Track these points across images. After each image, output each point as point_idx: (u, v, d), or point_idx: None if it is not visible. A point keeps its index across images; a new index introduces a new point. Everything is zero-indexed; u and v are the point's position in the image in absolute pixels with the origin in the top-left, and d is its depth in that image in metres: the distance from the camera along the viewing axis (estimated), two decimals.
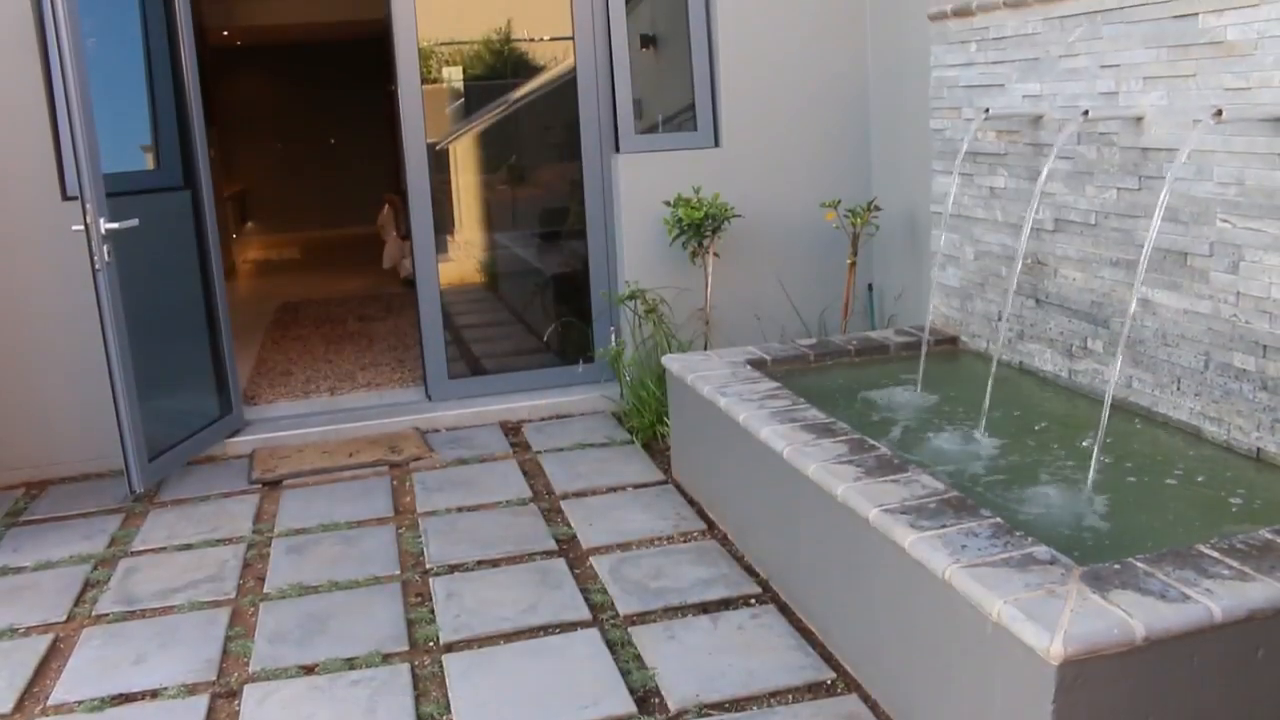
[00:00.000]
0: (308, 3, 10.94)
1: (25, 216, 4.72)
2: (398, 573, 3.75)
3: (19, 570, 3.95)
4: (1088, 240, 3.65)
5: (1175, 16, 3.16)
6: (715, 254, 5.21)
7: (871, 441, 3.24)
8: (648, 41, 5.60)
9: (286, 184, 13.96)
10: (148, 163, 4.90)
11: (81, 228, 4.20)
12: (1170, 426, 3.36)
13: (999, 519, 2.61)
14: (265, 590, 3.67)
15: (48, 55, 4.63)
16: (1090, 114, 3.46)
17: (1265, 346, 2.97)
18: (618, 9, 5.31)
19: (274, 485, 4.66)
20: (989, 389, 3.59)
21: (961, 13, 4.16)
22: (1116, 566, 2.30)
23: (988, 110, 4.02)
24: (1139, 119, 3.34)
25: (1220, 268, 3.09)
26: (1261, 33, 2.87)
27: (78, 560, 3.99)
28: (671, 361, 4.35)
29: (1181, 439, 3.28)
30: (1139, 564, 2.31)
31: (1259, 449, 3.04)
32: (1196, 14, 3.08)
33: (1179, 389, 3.32)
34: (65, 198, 4.71)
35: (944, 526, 2.58)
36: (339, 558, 3.88)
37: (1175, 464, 3.14)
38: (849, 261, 5.20)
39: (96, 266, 4.18)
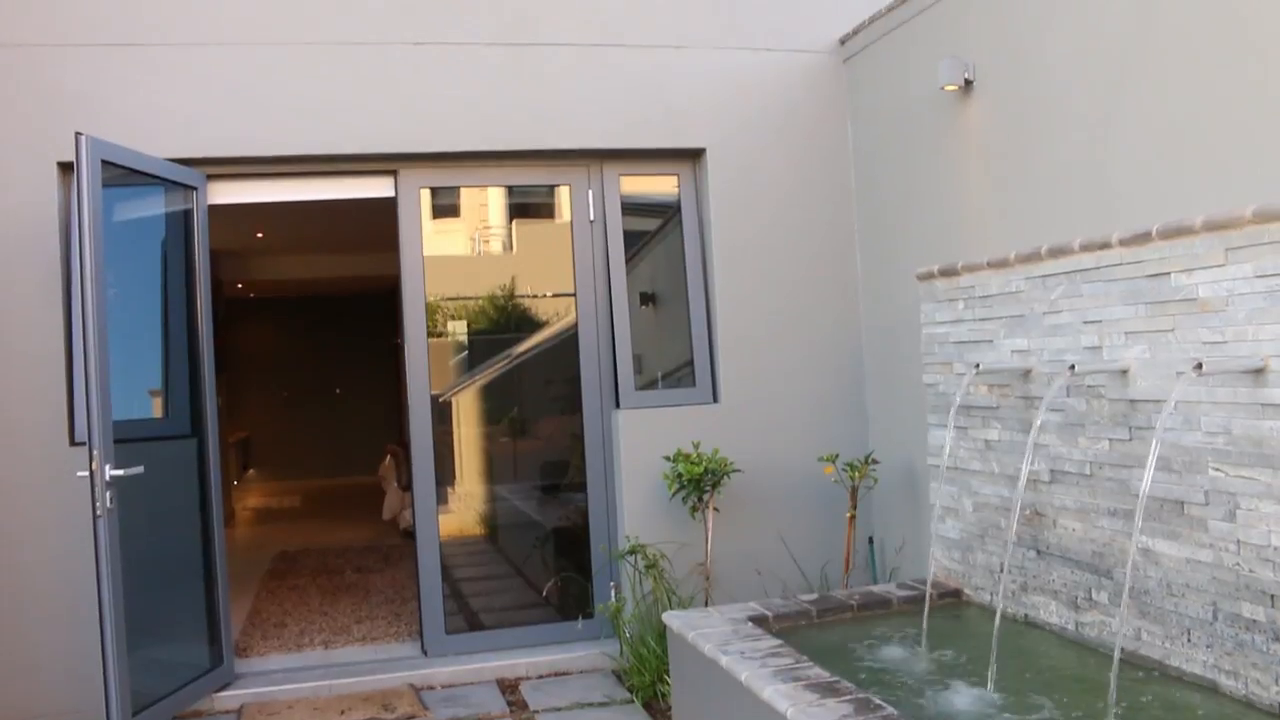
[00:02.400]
0: (321, 260, 11.42)
1: (30, 460, 4.77)
2: None
3: None
4: (1084, 490, 3.67)
5: (1149, 276, 3.30)
6: (715, 508, 5.22)
7: (877, 701, 3.14)
8: (647, 299, 5.82)
9: (290, 431, 14.10)
10: (156, 410, 5.00)
11: (86, 474, 4.23)
12: (1185, 681, 3.26)
13: None
14: None
15: (69, 304, 4.82)
16: (1077, 368, 3.55)
17: (1273, 596, 2.93)
18: (618, 268, 5.55)
19: None
20: (994, 644, 3.51)
21: (948, 273, 4.36)
22: None
23: (978, 365, 4.13)
24: (1124, 372, 3.43)
25: (1218, 516, 3.10)
26: (1231, 290, 3.00)
27: None
28: (672, 619, 4.28)
29: (1199, 694, 3.18)
30: None
31: None
32: (1169, 273, 3.22)
33: (1190, 641, 3.25)
34: (73, 443, 4.77)
35: None
36: None
37: None
38: (849, 515, 5.20)
39: (98, 513, 4.19)
